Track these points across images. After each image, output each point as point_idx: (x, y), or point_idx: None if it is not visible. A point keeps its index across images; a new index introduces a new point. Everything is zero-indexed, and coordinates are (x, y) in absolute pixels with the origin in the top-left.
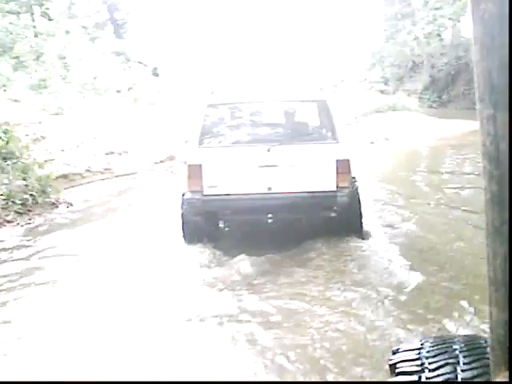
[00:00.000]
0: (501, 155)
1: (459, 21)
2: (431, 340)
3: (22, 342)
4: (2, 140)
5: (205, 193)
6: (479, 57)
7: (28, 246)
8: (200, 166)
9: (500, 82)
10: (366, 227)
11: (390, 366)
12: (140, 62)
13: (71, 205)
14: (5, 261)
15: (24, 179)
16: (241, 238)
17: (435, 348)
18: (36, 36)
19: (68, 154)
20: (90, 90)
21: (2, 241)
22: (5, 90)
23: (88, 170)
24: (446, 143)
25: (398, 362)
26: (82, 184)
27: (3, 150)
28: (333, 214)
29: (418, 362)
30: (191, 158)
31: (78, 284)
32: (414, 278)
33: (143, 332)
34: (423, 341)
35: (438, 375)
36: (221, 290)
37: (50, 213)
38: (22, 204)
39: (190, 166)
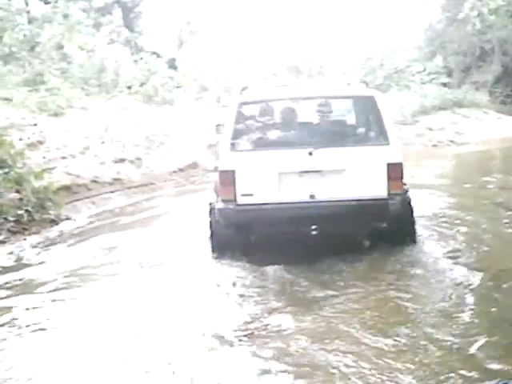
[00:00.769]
0: None
1: None
2: None
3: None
4: None
5: (238, 202)
6: None
7: (12, 283)
8: (233, 172)
9: None
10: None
11: None
12: (154, 53)
13: (74, 221)
14: None
15: (18, 192)
16: (274, 249)
17: None
18: (30, 22)
19: (71, 162)
20: (94, 87)
21: None
22: None
23: (94, 181)
24: None
25: None
26: (87, 197)
27: None
28: (384, 225)
29: None
30: (222, 163)
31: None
32: None
33: (176, 353)
34: None
35: None
36: (271, 311)
37: (49, 231)
38: (15, 221)
39: (221, 172)
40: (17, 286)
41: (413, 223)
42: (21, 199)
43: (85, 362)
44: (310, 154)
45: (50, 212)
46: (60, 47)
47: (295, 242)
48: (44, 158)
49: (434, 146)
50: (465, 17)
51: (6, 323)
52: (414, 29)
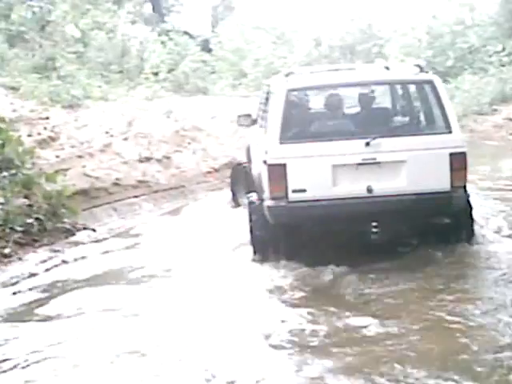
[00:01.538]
0: None
1: None
2: None
3: None
4: None
5: (290, 199)
6: None
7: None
8: (284, 166)
9: None
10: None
11: None
12: (185, 33)
13: (93, 231)
14: None
15: (27, 197)
16: (325, 249)
17: None
18: None
19: (88, 162)
20: (115, 73)
21: None
22: None
23: (116, 184)
24: None
25: None
26: (108, 203)
27: None
28: (446, 221)
29: None
30: (271, 156)
31: None
32: None
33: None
34: None
35: None
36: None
37: (63, 244)
38: (23, 231)
39: (270, 166)
40: None
41: (472, 220)
42: (30, 205)
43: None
44: (367, 144)
45: (65, 220)
46: (75, 27)
47: (339, 239)
48: (57, 157)
49: None
50: None
51: None
52: (491, 1)
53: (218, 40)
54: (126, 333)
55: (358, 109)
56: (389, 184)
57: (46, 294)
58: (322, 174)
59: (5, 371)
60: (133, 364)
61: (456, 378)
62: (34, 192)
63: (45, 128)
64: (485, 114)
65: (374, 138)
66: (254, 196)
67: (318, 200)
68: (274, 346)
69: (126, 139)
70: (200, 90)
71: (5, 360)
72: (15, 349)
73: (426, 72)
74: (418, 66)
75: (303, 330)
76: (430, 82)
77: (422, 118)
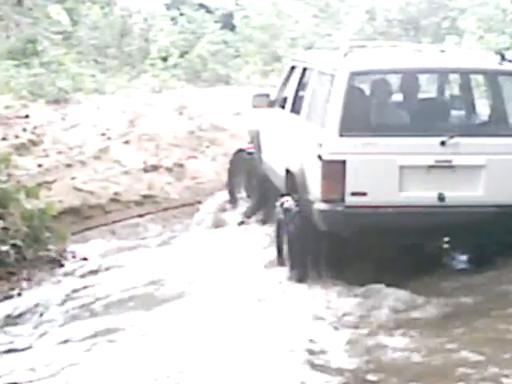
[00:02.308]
0: None
1: None
2: None
3: None
4: None
5: (347, 203)
6: None
7: None
8: (343, 163)
9: None
10: None
11: None
12: (201, 6)
13: (86, 261)
14: None
15: (1, 218)
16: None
17: None
18: None
19: (79, 172)
20: (113, 59)
21: None
22: None
23: (115, 200)
24: None
25: None
26: (104, 224)
27: None
28: None
29: None
30: (328, 150)
31: None
32: None
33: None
34: None
35: None
36: None
37: (47, 277)
38: None
39: (326, 162)
40: None
41: None
42: (5, 228)
43: None
44: (443, 143)
45: (50, 247)
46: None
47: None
48: (40, 166)
49: None
50: None
51: None
52: None
53: (244, 14)
54: None
55: (433, 100)
56: (464, 192)
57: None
58: (387, 175)
59: None
60: None
61: None
62: (10, 211)
63: (24, 129)
64: None
65: (452, 137)
66: (289, 201)
67: (379, 206)
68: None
69: (127, 143)
70: (221, 78)
71: None
72: None
73: (504, 59)
74: (500, 53)
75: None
76: None
77: (505, 116)
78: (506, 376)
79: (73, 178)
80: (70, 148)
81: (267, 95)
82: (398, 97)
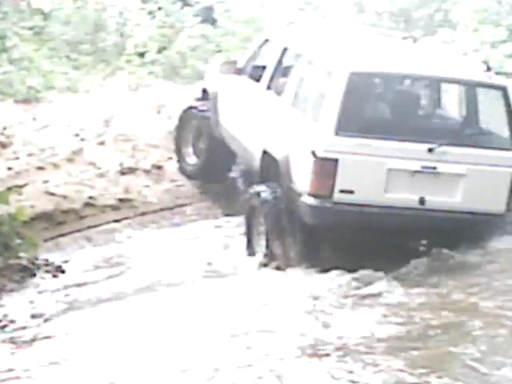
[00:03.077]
0: None
1: None
2: None
3: None
4: None
5: (335, 199)
6: None
7: None
8: (336, 161)
9: None
10: None
11: None
12: None
13: (62, 272)
14: None
15: None
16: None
17: None
18: None
19: (52, 175)
20: (87, 55)
21: None
22: None
23: (90, 204)
24: None
25: None
26: (79, 230)
27: None
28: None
29: None
30: (324, 147)
31: None
32: None
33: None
34: None
35: None
36: None
37: (18, 288)
38: None
39: (320, 160)
40: None
41: None
42: None
43: None
44: (430, 150)
45: (21, 255)
46: None
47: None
48: (9, 169)
49: None
50: None
51: None
52: None
53: (225, 8)
54: None
55: (425, 107)
56: (443, 198)
57: None
58: (375, 176)
59: None
60: None
61: None
62: None
63: None
64: None
65: (440, 145)
66: (266, 192)
67: (365, 205)
68: None
69: (102, 144)
70: (201, 75)
71: None
72: None
73: (489, 69)
74: (485, 63)
75: None
76: (503, 89)
77: (487, 127)
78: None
79: (45, 182)
80: (42, 150)
81: (235, 62)
82: (393, 100)
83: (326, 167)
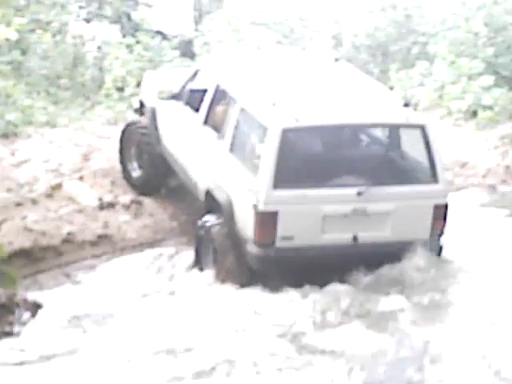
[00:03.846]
0: None
1: None
2: None
3: None
4: None
5: (278, 245)
6: None
7: None
8: (276, 213)
9: None
10: None
11: None
12: (158, 33)
13: (39, 307)
14: None
15: None
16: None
17: None
18: None
19: (30, 211)
20: (66, 89)
21: None
22: None
23: (68, 240)
24: None
25: None
26: (58, 266)
27: None
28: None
29: None
30: (264, 201)
31: None
32: None
33: None
34: None
35: None
36: None
37: None
38: None
39: (261, 213)
40: None
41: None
42: None
43: None
44: (359, 194)
45: None
46: (7, 25)
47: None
48: None
49: None
50: None
51: None
52: None
53: (204, 41)
54: None
55: (352, 153)
56: (374, 233)
57: None
58: (312, 222)
59: None
60: None
61: None
62: None
63: None
64: None
65: (366, 188)
66: (211, 222)
67: (304, 248)
68: None
69: (81, 179)
70: None
71: None
72: None
73: (407, 105)
74: (404, 100)
75: None
76: (421, 128)
77: (409, 165)
78: None
79: (23, 218)
80: (20, 185)
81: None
82: (323, 150)
83: (268, 219)
